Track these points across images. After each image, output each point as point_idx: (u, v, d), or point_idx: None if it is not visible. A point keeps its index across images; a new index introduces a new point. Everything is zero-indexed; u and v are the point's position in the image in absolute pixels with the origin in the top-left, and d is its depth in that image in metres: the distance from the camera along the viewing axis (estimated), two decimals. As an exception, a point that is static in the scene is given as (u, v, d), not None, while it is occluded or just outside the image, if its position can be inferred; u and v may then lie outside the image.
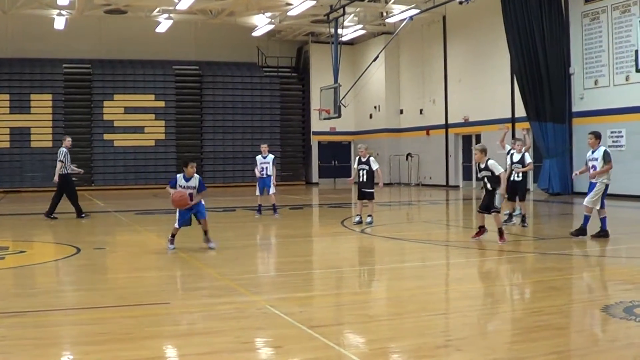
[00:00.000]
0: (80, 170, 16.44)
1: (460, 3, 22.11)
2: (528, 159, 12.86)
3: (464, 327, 5.62)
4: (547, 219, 15.97)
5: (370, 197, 13.68)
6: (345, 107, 26.38)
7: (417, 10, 25.77)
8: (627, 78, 20.36)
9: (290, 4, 26.61)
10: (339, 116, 26.27)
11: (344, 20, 28.21)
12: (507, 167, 12.96)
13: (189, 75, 33.25)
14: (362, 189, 13.69)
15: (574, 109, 22.30)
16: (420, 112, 30.98)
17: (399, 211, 18.79)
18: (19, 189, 28.76)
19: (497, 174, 10.18)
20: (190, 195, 9.71)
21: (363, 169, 13.62)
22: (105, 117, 31.40)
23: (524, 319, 5.97)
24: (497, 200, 10.28)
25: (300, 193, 27.50)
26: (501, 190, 10.27)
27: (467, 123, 27.76)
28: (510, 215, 12.74)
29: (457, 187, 28.51)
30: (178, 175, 9.88)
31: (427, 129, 30.45)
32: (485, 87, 26.29)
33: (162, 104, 32.27)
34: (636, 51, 19.70)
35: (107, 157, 31.29)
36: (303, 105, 35.42)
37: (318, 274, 8.82)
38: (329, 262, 9.76)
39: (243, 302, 6.57)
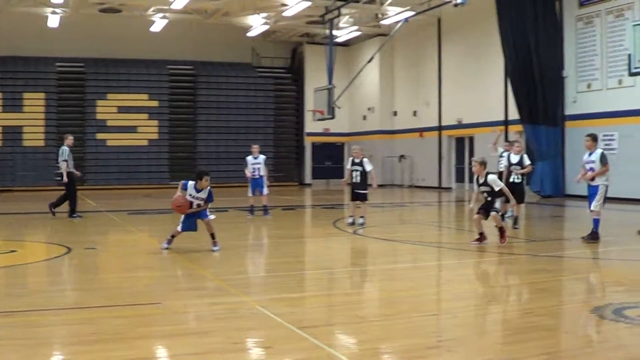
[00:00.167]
0: (78, 173, 16.38)
1: (455, 5, 22.14)
2: (527, 161, 12.88)
3: (455, 328, 5.64)
4: (539, 221, 16.03)
5: (363, 198, 13.68)
6: (339, 108, 26.40)
7: (413, 13, 25.81)
8: (620, 82, 20.45)
9: (286, 5, 26.61)
10: (333, 117, 26.32)
11: (339, 22, 28.22)
12: (505, 169, 12.98)
13: (183, 75, 33.15)
14: (356, 190, 13.67)
15: (567, 112, 22.38)
16: (414, 114, 31.04)
17: (392, 212, 18.81)
18: (11, 188, 28.60)
19: (496, 189, 10.26)
20: (198, 205, 9.67)
21: (357, 170, 13.59)
22: (99, 117, 31.25)
23: (514, 320, 6.00)
24: (497, 202, 10.38)
25: (293, 194, 27.49)
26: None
27: (460, 125, 27.83)
28: (503, 217, 12.75)
29: (449, 189, 28.58)
30: (190, 183, 9.67)
31: (421, 130, 30.51)
32: (479, 89, 26.34)
33: (155, 103, 32.16)
34: (629, 55, 19.83)
35: (100, 156, 31.09)
36: (297, 106, 35.36)
37: (310, 274, 8.82)
38: (321, 263, 9.76)
39: (234, 302, 6.57)
